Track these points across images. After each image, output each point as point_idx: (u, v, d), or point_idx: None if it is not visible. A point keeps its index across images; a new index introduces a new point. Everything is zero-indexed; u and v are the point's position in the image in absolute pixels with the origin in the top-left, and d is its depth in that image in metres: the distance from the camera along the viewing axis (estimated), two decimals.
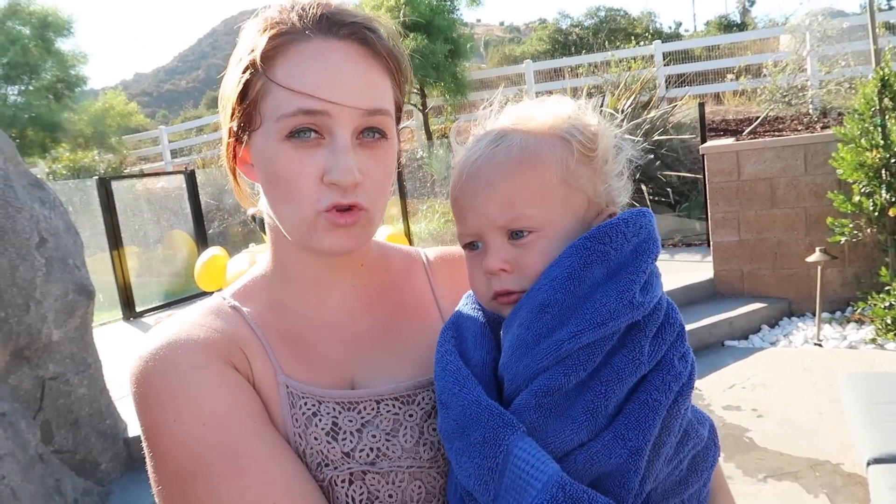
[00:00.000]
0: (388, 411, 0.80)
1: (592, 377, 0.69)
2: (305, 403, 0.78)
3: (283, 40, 0.74)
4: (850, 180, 4.96)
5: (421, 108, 12.24)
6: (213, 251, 6.22)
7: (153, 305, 7.98)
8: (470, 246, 0.82)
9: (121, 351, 5.47)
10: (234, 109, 0.77)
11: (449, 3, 12.08)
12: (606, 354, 0.70)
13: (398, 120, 0.85)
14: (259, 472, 0.70)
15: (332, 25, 0.75)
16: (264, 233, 0.88)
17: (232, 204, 10.41)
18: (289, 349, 0.81)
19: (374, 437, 0.77)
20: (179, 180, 9.19)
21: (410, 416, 0.81)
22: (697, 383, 2.27)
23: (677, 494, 0.74)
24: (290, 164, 0.73)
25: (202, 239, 8.63)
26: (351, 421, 0.78)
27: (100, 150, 17.78)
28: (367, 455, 0.76)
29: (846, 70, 8.53)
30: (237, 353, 0.77)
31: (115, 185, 7.69)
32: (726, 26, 26.24)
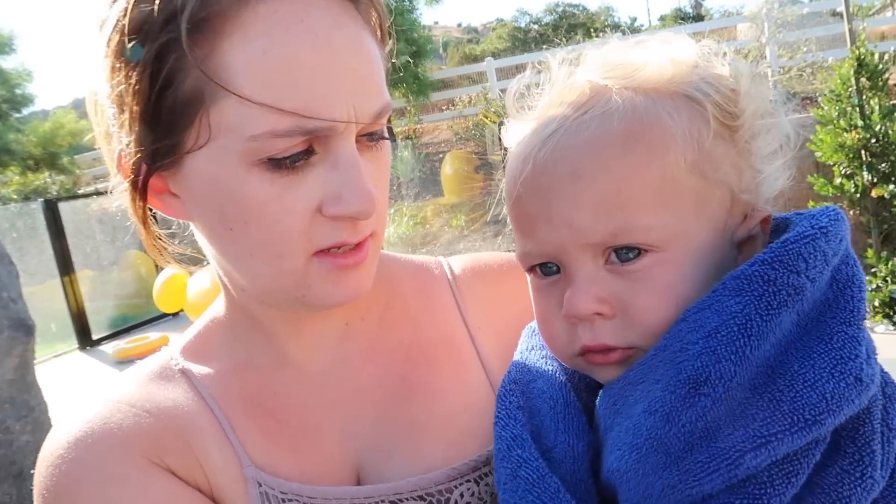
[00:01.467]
0: None
1: None
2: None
3: None
4: (830, 162, 4.87)
5: None
6: (172, 270, 5.87)
7: (111, 332, 7.58)
8: (541, 269, 0.54)
9: (76, 384, 5.16)
10: (136, 114, 0.49)
11: (408, 3, 11.89)
12: (815, 469, 0.42)
13: None
14: None
15: None
16: None
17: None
18: (261, 426, 0.58)
19: None
20: None
21: None
22: None
23: None
24: (271, 202, 0.48)
25: None
26: None
27: (51, 171, 17.16)
28: None
29: (808, 55, 8.56)
30: (177, 446, 0.55)
31: (63, 206, 7.34)
32: (681, 19, 26.62)
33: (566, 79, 0.56)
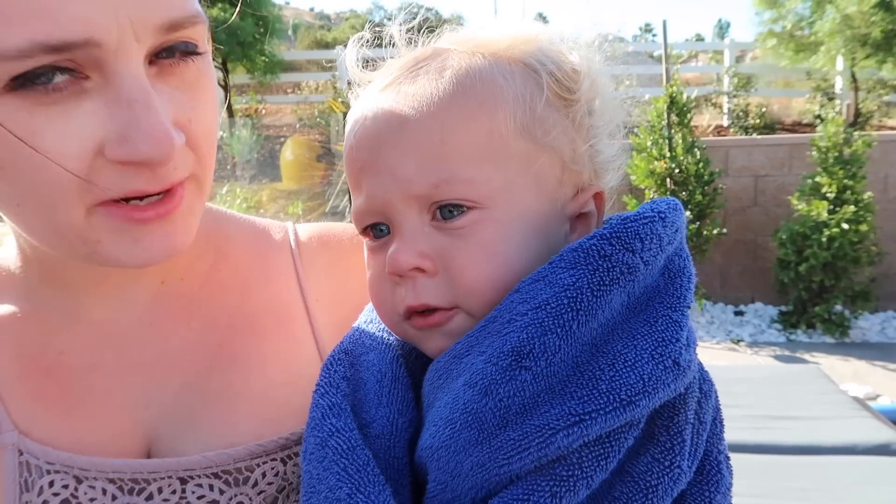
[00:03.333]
0: (199, 498, 0.49)
1: (599, 500, 0.41)
2: (52, 483, 0.47)
3: None
4: (643, 186, 5.42)
5: (223, 84, 11.35)
6: None
7: None
8: (372, 231, 0.51)
9: None
10: None
11: None
12: (626, 455, 0.42)
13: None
14: None
15: None
16: None
17: None
18: (34, 386, 0.50)
19: None
20: None
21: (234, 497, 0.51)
22: None
23: None
24: (32, 139, 0.40)
25: None
26: None
27: None
28: None
29: (630, 90, 9.52)
30: None
31: None
32: None
33: (408, 45, 0.56)
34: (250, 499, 0.53)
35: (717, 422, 0.50)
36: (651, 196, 5.40)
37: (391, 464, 0.48)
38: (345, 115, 0.60)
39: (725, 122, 8.00)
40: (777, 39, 7.65)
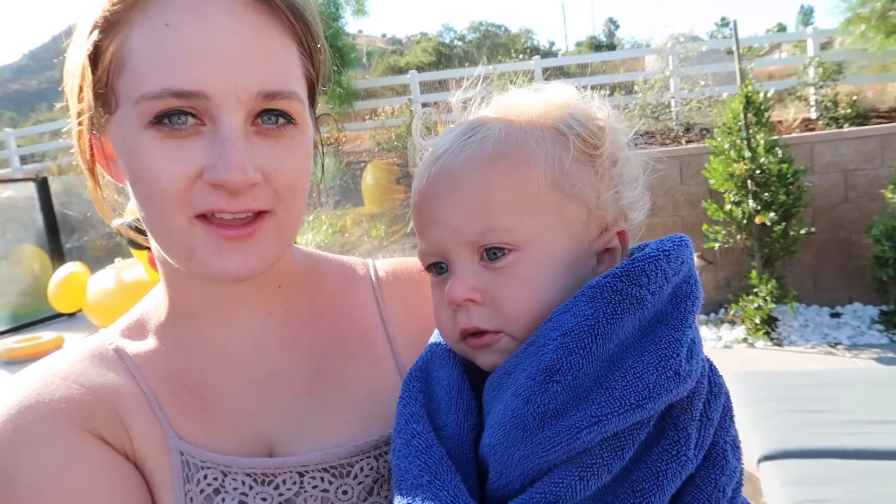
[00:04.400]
0: (314, 487, 0.63)
1: (620, 481, 0.52)
2: (206, 476, 0.60)
3: None
4: (722, 190, 5.29)
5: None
6: (71, 267, 5.59)
7: (2, 329, 7.03)
8: (434, 269, 0.65)
9: None
10: (81, 86, 0.58)
11: (333, 10, 11.84)
12: (640, 447, 0.52)
13: (313, 100, 0.66)
14: None
15: None
16: (132, 247, 0.66)
17: (94, 215, 9.48)
18: (184, 402, 0.63)
19: None
20: (30, 189, 8.23)
21: (345, 493, 0.64)
22: None
23: None
24: (154, 160, 0.54)
25: (57, 254, 7.83)
26: (265, 500, 0.60)
27: None
28: None
29: (705, 90, 9.23)
30: (107, 417, 0.59)
31: None
32: (596, 46, 27.93)
33: (462, 113, 0.69)
34: (352, 488, 0.65)
35: (727, 416, 0.58)
36: (731, 199, 5.26)
37: (461, 459, 0.59)
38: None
39: (813, 115, 7.64)
40: (865, 24, 7.25)
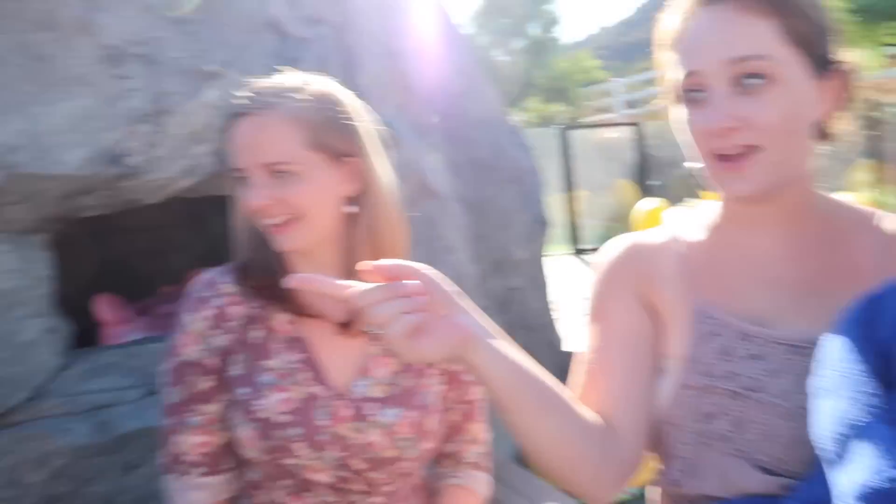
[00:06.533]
0: (781, 354, 0.80)
1: None
2: (707, 322, 0.85)
3: (681, 8, 0.82)
4: None
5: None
6: (653, 202, 6.43)
7: (594, 246, 8.58)
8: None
9: (566, 279, 6.19)
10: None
11: None
12: None
13: (816, 55, 0.79)
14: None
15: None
16: (701, 189, 0.98)
17: (672, 157, 10.39)
18: (709, 279, 0.89)
19: (762, 370, 0.80)
20: (628, 132, 9.65)
21: (801, 364, 0.79)
22: None
23: None
24: (683, 123, 0.80)
25: (644, 188, 8.95)
26: (746, 349, 0.82)
27: (562, 102, 19.78)
28: (748, 381, 0.80)
29: None
30: (645, 285, 0.92)
31: (573, 133, 8.59)
32: None
33: None
34: (806, 365, 0.73)
35: None
36: None
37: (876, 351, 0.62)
38: None
39: None
40: None
